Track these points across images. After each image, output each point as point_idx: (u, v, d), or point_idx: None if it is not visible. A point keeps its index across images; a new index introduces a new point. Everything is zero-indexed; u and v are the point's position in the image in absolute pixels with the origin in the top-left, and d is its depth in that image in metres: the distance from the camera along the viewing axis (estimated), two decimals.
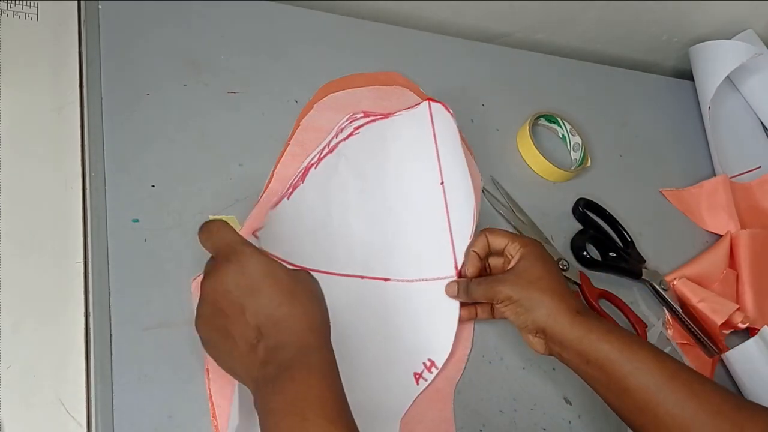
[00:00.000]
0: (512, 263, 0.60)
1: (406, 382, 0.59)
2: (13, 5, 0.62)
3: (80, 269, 0.54)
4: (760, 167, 0.91)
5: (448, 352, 0.61)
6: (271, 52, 0.70)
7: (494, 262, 0.64)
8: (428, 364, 0.60)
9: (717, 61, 0.89)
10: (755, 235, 0.80)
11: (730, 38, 0.91)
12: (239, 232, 0.50)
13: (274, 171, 0.64)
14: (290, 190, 0.63)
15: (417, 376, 0.59)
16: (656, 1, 0.89)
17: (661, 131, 0.90)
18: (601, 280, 0.72)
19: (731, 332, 0.75)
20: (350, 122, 0.68)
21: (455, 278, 0.63)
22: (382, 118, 0.68)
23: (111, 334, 0.52)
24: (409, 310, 0.62)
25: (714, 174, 0.87)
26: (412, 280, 0.63)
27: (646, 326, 0.71)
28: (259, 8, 0.73)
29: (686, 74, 0.96)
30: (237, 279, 0.48)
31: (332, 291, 0.54)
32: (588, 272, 0.72)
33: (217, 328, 0.49)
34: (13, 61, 0.60)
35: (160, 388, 0.52)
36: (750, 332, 0.75)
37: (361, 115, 0.68)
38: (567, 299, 0.57)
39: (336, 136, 0.67)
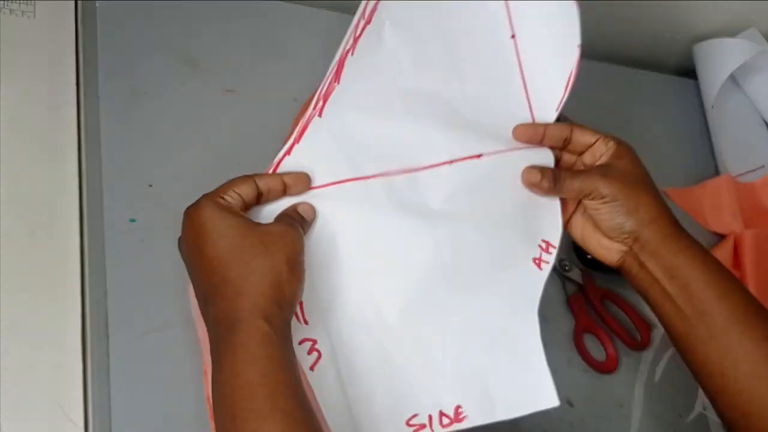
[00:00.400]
0: (605, 159, 0.54)
1: (529, 271, 0.52)
2: (10, 3, 0.62)
3: (77, 270, 0.54)
4: (763, 166, 0.90)
5: (561, 230, 0.53)
6: (270, 50, 0.70)
7: (567, 158, 0.57)
8: (544, 245, 0.53)
9: (720, 60, 0.88)
10: (759, 236, 0.79)
11: (733, 36, 0.91)
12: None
13: (274, 171, 0.63)
14: (321, 103, 0.52)
15: (537, 261, 0.53)
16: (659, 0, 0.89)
17: (664, 130, 0.89)
18: (604, 281, 0.71)
19: None
20: None
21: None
22: None
23: (108, 335, 0.52)
24: (511, 186, 0.53)
25: (717, 173, 0.86)
26: (507, 150, 0.54)
27: (650, 327, 0.70)
28: (258, 6, 0.72)
29: (689, 72, 0.95)
30: (185, 239, 0.45)
31: (421, 191, 0.49)
32: (591, 273, 0.71)
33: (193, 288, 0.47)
34: (9, 59, 0.59)
35: (157, 389, 0.52)
36: None
37: None
38: (668, 209, 0.54)
39: None
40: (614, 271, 0.72)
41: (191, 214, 0.46)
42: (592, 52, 0.93)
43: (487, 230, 0.53)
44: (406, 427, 0.48)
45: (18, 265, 0.52)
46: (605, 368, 0.67)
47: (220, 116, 0.64)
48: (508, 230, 0.53)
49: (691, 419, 0.68)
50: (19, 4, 0.62)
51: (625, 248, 0.54)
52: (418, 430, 0.48)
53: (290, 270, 0.43)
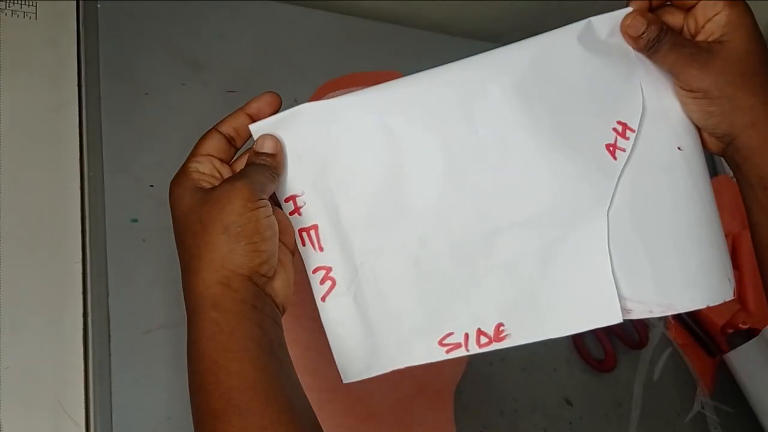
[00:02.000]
0: (716, 35, 0.43)
1: (600, 160, 0.43)
2: (11, 4, 0.62)
3: (79, 269, 0.54)
4: None
5: (641, 109, 0.44)
6: (271, 50, 0.70)
7: (671, 19, 0.45)
8: (620, 129, 0.44)
9: None
10: None
11: None
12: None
13: None
14: None
15: (611, 148, 0.43)
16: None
17: None
18: None
19: (733, 333, 0.75)
20: None
21: None
22: None
23: (109, 335, 0.52)
24: (593, 54, 0.45)
25: (716, 173, 0.87)
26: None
27: (648, 327, 0.70)
28: (259, 7, 0.72)
29: None
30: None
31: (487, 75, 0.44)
32: None
33: None
34: (11, 61, 0.59)
35: (158, 389, 0.52)
36: (752, 333, 0.75)
37: None
38: None
39: None
40: None
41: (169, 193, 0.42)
42: None
43: (551, 115, 0.44)
44: (439, 346, 0.43)
45: (20, 265, 0.53)
46: (604, 367, 0.67)
47: (222, 117, 0.64)
48: (581, 106, 0.44)
49: (689, 418, 0.68)
50: (21, 5, 0.62)
51: (721, 145, 0.46)
52: (451, 350, 0.43)
53: (232, 238, 0.37)
